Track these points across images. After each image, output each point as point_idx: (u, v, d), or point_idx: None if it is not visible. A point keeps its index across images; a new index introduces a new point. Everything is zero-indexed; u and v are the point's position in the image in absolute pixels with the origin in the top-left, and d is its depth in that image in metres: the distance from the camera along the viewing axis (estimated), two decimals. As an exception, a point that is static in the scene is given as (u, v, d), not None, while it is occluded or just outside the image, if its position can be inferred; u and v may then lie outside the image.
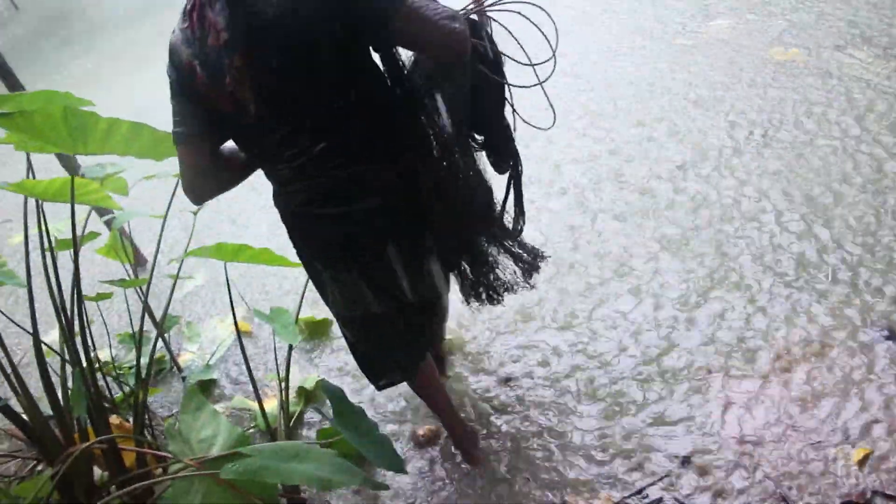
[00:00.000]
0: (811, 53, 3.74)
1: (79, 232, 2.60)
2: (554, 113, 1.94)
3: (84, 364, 2.27)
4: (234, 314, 2.47)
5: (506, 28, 1.81)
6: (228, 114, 1.62)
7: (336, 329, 3.16)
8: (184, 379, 3.17)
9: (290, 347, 2.51)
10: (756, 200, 2.96)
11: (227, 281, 2.45)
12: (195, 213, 2.57)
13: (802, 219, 2.78)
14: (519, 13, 1.75)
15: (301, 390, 2.86)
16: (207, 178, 1.75)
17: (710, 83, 3.81)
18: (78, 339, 2.29)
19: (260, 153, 1.75)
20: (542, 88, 1.83)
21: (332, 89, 1.60)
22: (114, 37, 10.08)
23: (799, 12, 4.14)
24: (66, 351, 2.35)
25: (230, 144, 1.78)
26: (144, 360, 2.81)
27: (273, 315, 2.49)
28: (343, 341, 2.53)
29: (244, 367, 3.17)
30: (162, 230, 2.78)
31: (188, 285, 3.80)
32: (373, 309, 1.94)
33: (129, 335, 3.43)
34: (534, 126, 1.96)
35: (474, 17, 1.78)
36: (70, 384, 2.32)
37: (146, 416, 2.75)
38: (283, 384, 2.59)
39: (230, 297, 2.44)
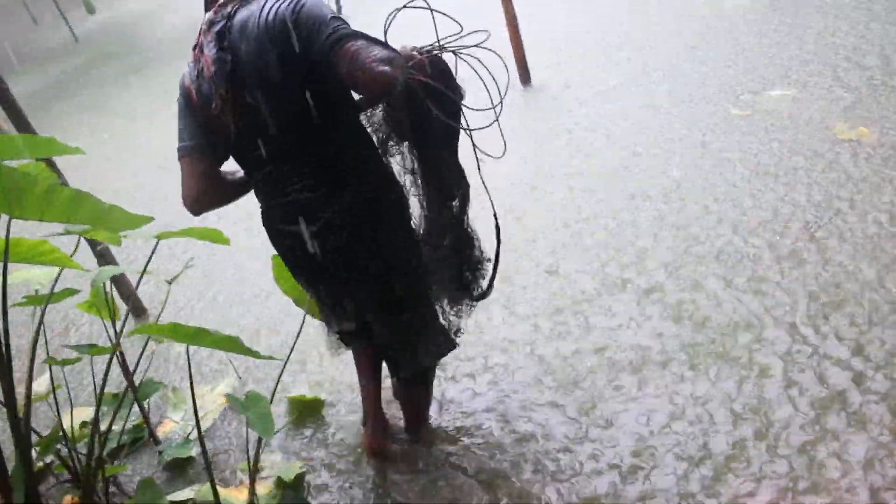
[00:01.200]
0: (883, 133, 3.35)
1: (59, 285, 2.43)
2: (504, 144, 2.06)
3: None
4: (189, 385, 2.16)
5: (473, 67, 1.98)
6: (219, 132, 1.96)
7: (329, 412, 2.85)
8: (160, 454, 2.88)
9: (260, 440, 2.20)
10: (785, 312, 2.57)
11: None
12: (169, 283, 2.31)
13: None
14: (472, 56, 1.98)
15: (279, 482, 2.53)
16: (207, 189, 2.04)
17: (759, 162, 3.45)
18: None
19: (245, 169, 2.09)
20: (499, 124, 2.01)
21: (294, 120, 1.91)
22: (168, 72, 10.15)
23: (870, 87, 3.77)
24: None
25: (231, 165, 2.08)
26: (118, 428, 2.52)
27: (248, 402, 2.20)
28: (338, 429, 2.69)
29: (229, 442, 2.92)
30: (137, 286, 2.54)
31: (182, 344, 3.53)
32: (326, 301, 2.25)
33: (111, 396, 3.17)
34: (486, 153, 2.08)
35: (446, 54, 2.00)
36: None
37: (106, 497, 2.48)
38: (253, 477, 2.28)
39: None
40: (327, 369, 3.05)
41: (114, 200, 1.96)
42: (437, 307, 2.36)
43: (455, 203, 2.22)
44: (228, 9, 1.93)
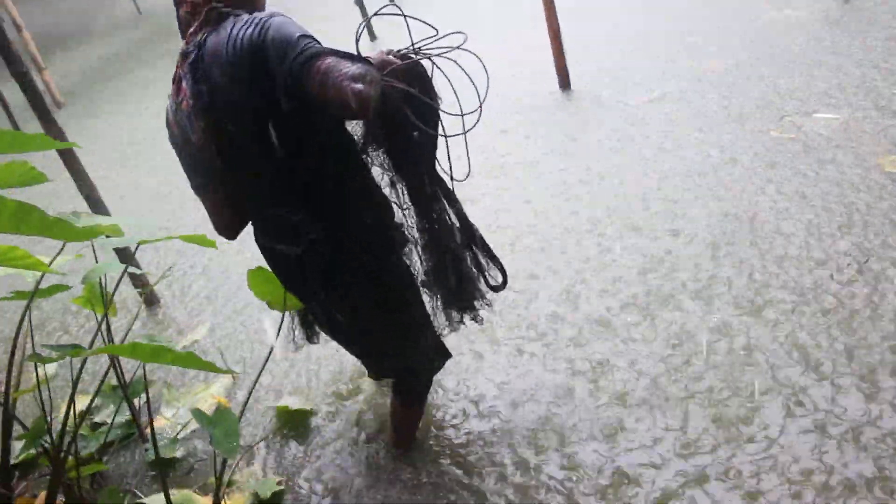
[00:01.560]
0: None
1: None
2: (469, 166, 2.13)
3: None
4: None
5: (449, 77, 1.94)
6: (206, 162, 1.94)
7: (318, 422, 2.78)
8: (146, 451, 2.85)
9: (224, 461, 2.14)
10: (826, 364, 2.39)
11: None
12: (149, 289, 2.25)
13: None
14: (452, 60, 1.89)
15: (255, 498, 2.48)
16: (229, 218, 2.09)
17: (800, 189, 3.24)
18: None
19: (235, 193, 2.06)
20: (465, 139, 1.97)
21: (271, 147, 1.84)
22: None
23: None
24: None
25: None
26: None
27: (215, 418, 2.14)
28: (323, 445, 2.67)
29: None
30: (115, 290, 2.52)
31: (189, 338, 3.51)
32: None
33: (111, 387, 3.17)
34: (451, 177, 2.10)
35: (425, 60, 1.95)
36: None
37: (80, 492, 2.46)
38: (218, 489, 2.22)
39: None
40: (318, 378, 3.00)
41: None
42: (433, 321, 2.32)
43: (438, 199, 2.19)
44: (199, 37, 1.86)
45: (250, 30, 1.75)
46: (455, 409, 2.63)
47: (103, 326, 2.70)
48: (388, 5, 1.92)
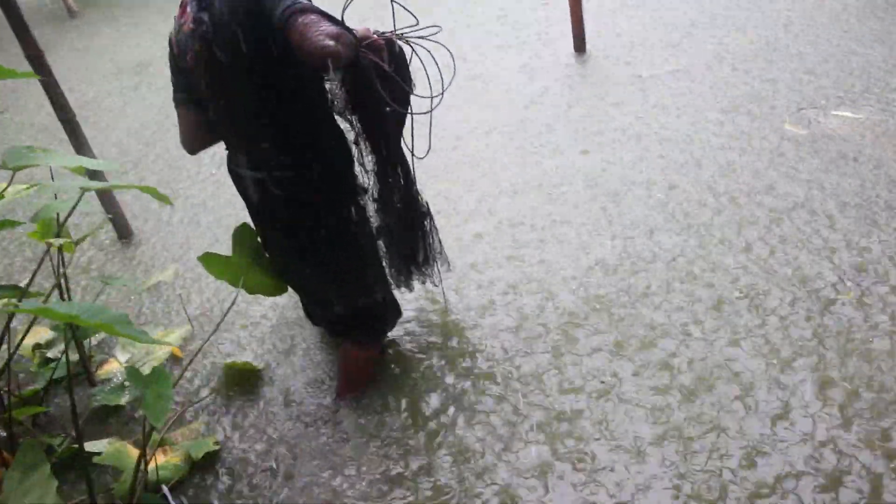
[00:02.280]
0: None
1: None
2: (430, 144, 2.21)
3: None
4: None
5: (421, 57, 2.10)
6: (194, 83, 2.17)
7: (267, 386, 2.70)
8: (90, 396, 2.79)
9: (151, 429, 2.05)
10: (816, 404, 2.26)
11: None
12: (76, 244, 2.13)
13: None
14: (423, 46, 2.09)
15: (187, 457, 2.40)
16: (195, 135, 2.32)
17: (810, 194, 3.06)
18: None
19: (218, 117, 2.22)
20: (430, 119, 2.15)
21: (253, 83, 2.06)
22: None
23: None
24: None
25: None
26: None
27: (148, 380, 2.05)
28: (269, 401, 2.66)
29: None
30: (63, 223, 2.41)
31: (154, 278, 3.41)
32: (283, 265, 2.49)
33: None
34: (412, 153, 2.27)
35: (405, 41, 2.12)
36: None
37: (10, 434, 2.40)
38: (144, 445, 2.15)
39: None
40: (271, 337, 2.91)
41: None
42: (387, 274, 2.55)
43: (399, 171, 2.34)
44: None
45: None
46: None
47: (55, 262, 2.62)
48: None
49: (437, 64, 2.11)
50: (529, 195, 3.45)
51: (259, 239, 2.48)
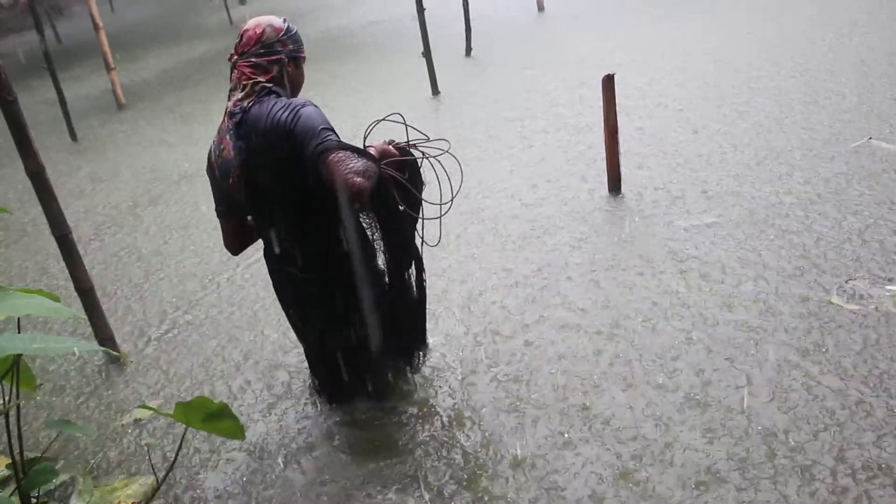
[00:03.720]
0: None
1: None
2: (440, 236, 2.85)
3: None
4: None
5: (440, 172, 2.58)
6: (235, 199, 2.53)
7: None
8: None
9: None
10: None
11: None
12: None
13: None
14: (431, 157, 2.60)
15: None
16: (235, 240, 2.73)
17: (861, 393, 2.68)
18: None
19: (256, 220, 2.65)
20: (440, 216, 2.58)
21: (283, 198, 2.44)
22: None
23: None
24: None
25: None
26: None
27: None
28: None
29: None
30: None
31: (126, 418, 3.13)
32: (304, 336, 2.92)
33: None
34: (423, 240, 2.75)
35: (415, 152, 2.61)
36: None
37: None
38: None
39: None
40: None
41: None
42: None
43: (410, 271, 2.81)
44: (245, 104, 2.40)
45: (285, 114, 2.30)
46: None
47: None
48: (393, 114, 2.68)
49: (444, 170, 2.58)
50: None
51: (290, 321, 2.90)
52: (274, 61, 2.43)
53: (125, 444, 3.07)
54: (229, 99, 2.44)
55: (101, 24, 9.26)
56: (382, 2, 13.38)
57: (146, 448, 2.97)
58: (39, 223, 5.73)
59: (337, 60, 9.87)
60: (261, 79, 2.41)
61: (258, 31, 2.44)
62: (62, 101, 8.13)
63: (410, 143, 2.59)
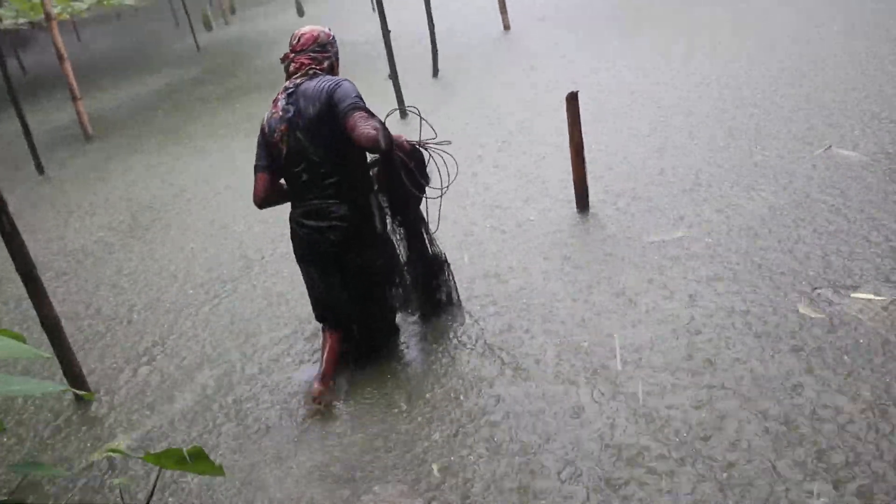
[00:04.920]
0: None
1: None
2: (438, 221, 3.49)
3: None
4: None
5: (446, 157, 3.34)
6: (275, 155, 3.16)
7: None
8: None
9: None
10: None
11: None
12: None
13: None
14: (439, 152, 3.32)
15: None
16: (267, 194, 3.25)
17: (833, 402, 2.71)
18: None
19: (290, 181, 3.23)
20: (441, 197, 3.39)
21: (321, 155, 3.08)
22: (270, 95, 10.05)
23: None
24: None
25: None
26: None
27: None
28: None
29: None
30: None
31: (94, 455, 3.07)
32: (315, 290, 3.38)
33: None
34: (427, 219, 3.51)
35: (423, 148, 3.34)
36: None
37: None
38: None
39: None
40: None
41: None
42: (397, 308, 3.56)
43: (421, 233, 3.48)
44: (297, 80, 3.15)
45: (330, 84, 3.06)
46: None
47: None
48: (411, 106, 3.72)
49: (445, 163, 3.30)
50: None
51: (304, 277, 3.40)
52: (326, 57, 3.22)
53: (95, 483, 3.01)
54: (288, 80, 3.18)
55: (65, 55, 9.19)
56: (348, 24, 13.42)
57: (118, 489, 2.92)
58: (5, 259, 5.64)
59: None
60: (315, 68, 3.17)
61: (314, 34, 3.23)
62: (27, 133, 8.03)
63: (420, 143, 3.31)
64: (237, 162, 7.11)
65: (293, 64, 3.18)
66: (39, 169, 8.30)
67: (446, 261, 3.58)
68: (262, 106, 9.39)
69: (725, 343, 3.09)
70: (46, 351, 3.48)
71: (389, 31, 7.16)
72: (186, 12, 15.79)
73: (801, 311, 3.22)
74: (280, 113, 3.08)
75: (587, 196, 4.58)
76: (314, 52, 3.19)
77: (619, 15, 10.28)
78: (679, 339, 3.17)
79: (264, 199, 3.26)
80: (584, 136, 4.41)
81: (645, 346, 3.17)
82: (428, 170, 3.35)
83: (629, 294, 3.59)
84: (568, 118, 4.36)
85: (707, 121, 5.67)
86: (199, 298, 4.51)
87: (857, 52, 6.55)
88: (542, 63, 8.53)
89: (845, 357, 2.88)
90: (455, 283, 3.65)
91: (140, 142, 9.01)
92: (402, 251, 3.44)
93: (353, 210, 3.14)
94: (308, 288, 3.40)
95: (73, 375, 3.53)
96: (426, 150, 3.31)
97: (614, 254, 3.99)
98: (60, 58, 9.17)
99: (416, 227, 3.43)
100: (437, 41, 8.71)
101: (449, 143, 3.30)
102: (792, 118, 5.38)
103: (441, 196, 3.34)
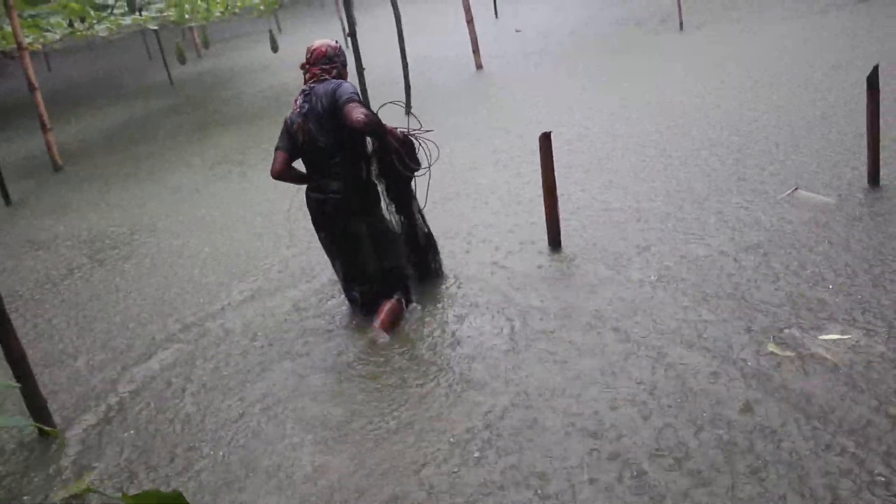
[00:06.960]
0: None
1: None
2: (426, 199, 4.27)
3: None
4: None
5: (437, 143, 4.10)
6: (294, 142, 3.92)
7: None
8: None
9: None
10: None
11: None
12: None
13: None
14: (426, 140, 4.05)
15: None
16: (283, 171, 3.98)
17: (795, 446, 2.75)
18: None
19: (305, 162, 3.99)
20: (429, 177, 4.16)
21: (330, 141, 3.82)
22: (243, 127, 10.04)
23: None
24: None
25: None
26: None
27: None
28: None
29: None
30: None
31: (63, 492, 2.98)
32: (335, 257, 4.15)
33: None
34: (416, 195, 4.26)
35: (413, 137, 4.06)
36: None
37: None
38: None
39: None
40: None
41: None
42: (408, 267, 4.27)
43: (412, 209, 4.23)
44: (313, 84, 3.87)
45: (333, 85, 3.77)
46: None
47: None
48: (397, 101, 4.50)
49: (432, 149, 4.01)
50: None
51: (321, 243, 4.14)
52: (333, 66, 3.92)
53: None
54: (305, 83, 3.92)
55: (36, 85, 9.12)
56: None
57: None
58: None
59: (278, 122, 9.88)
60: (325, 75, 3.87)
61: (323, 50, 3.92)
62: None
63: (409, 132, 4.02)
64: (209, 191, 7.06)
65: (308, 73, 3.93)
66: (6, 199, 8.18)
67: (433, 237, 4.39)
68: (234, 138, 9.77)
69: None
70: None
71: (364, 69, 7.24)
72: (160, 45, 15.79)
73: (771, 349, 3.28)
74: (298, 109, 3.86)
75: (559, 236, 4.63)
76: (324, 64, 3.90)
77: (590, 58, 10.50)
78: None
79: (279, 174, 3.96)
80: (556, 175, 4.47)
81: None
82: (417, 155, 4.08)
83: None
84: (541, 158, 4.42)
85: (682, 163, 5.79)
86: (172, 332, 4.45)
87: (829, 96, 6.76)
88: (514, 102, 8.70)
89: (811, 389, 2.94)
90: (439, 258, 4.50)
91: (109, 172, 8.94)
92: (395, 224, 4.14)
93: (347, 185, 3.85)
94: (327, 254, 4.17)
95: (39, 407, 3.44)
96: (416, 139, 4.00)
97: (585, 291, 4.04)
98: (31, 87, 9.09)
99: (408, 202, 4.18)
100: (411, 79, 8.81)
101: (431, 130, 4.05)
102: (760, 161, 5.52)
103: (428, 173, 4.08)
